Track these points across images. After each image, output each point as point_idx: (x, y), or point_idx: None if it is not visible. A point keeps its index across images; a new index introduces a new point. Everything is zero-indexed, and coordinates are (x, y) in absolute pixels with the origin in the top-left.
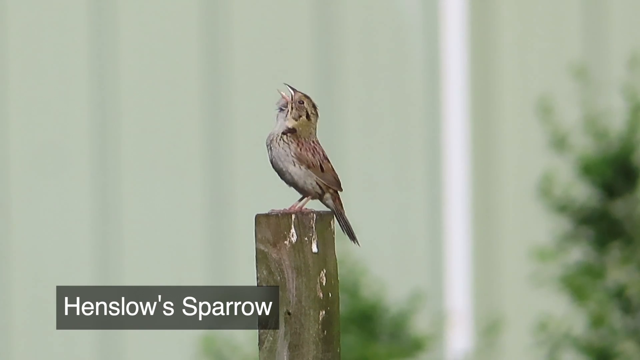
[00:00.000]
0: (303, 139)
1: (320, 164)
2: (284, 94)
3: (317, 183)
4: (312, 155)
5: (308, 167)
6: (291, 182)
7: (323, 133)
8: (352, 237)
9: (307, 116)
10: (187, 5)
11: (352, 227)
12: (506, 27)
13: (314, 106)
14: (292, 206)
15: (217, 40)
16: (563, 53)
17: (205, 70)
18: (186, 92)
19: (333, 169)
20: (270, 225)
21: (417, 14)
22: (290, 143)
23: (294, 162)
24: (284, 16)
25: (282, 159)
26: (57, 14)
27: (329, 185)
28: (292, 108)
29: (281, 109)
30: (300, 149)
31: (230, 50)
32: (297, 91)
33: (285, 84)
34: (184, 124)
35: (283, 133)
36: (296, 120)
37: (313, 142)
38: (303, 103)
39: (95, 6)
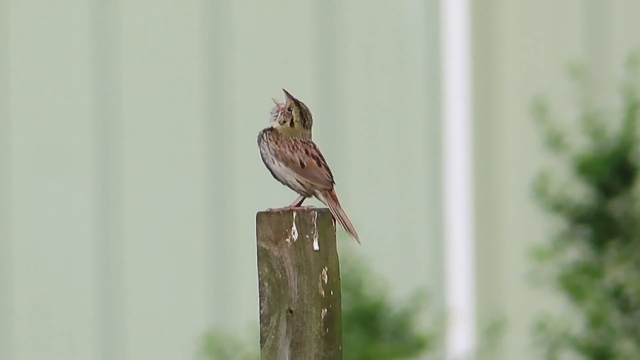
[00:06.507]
0: (283, 136)
1: (300, 160)
2: (277, 101)
3: (297, 180)
4: (291, 151)
5: (286, 164)
6: (278, 180)
7: (324, 132)
8: (351, 233)
9: (291, 123)
10: (189, 7)
11: (350, 223)
12: (507, 26)
13: (302, 114)
14: (290, 205)
15: (219, 41)
16: (563, 52)
17: (207, 69)
18: (188, 90)
19: (321, 165)
20: (271, 223)
21: (419, 13)
22: (269, 141)
23: (272, 160)
24: (286, 16)
25: (264, 157)
26: (59, 13)
27: (311, 183)
28: (280, 113)
29: (274, 116)
30: (279, 146)
31: (231, 51)
32: (291, 98)
33: (284, 89)
34: (186, 123)
35: (264, 131)
36: (281, 124)
37: (294, 139)
38: (291, 110)
39: (97, 6)
